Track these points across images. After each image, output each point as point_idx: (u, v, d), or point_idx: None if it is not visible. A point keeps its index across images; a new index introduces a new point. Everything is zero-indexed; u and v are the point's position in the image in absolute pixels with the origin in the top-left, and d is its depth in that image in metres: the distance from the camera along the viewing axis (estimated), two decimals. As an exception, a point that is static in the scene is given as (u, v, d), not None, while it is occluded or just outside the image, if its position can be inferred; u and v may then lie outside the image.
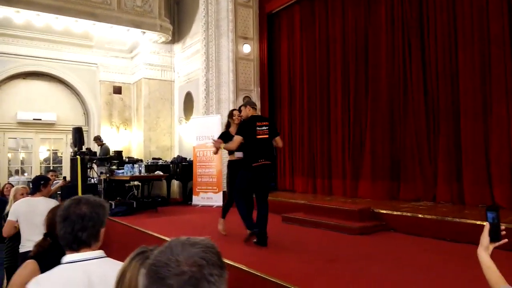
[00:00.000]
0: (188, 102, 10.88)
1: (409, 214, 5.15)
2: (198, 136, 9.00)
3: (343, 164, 7.60)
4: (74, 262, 1.53)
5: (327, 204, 6.08)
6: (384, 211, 5.43)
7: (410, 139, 6.48)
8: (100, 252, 1.61)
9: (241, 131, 4.58)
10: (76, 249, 1.57)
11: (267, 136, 4.63)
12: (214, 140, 4.84)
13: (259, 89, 9.47)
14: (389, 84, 6.85)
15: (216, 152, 4.99)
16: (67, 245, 1.57)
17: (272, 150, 4.74)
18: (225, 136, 5.21)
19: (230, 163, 5.23)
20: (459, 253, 4.03)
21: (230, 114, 5.34)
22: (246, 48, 9.35)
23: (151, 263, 0.83)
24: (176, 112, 11.48)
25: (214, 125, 8.67)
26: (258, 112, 5.29)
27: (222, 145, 4.71)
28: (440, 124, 6.10)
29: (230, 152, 5.16)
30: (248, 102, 4.93)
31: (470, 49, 5.75)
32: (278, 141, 4.75)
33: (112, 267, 1.53)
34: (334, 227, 5.36)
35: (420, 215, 4.99)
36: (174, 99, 11.53)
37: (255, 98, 9.39)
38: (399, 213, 5.27)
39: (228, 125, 5.31)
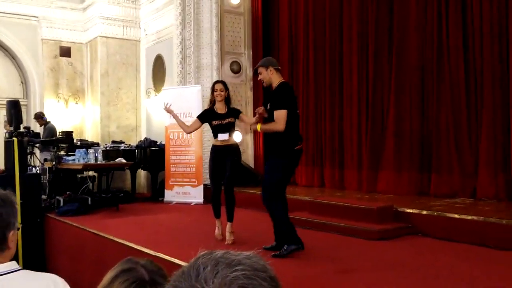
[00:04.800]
0: (159, 68, 10.78)
1: (442, 214, 5.19)
2: (171, 113, 8.94)
3: (359, 150, 7.64)
4: None
5: (338, 201, 6.11)
6: (411, 210, 5.47)
7: (445, 116, 6.53)
8: (11, 264, 1.57)
9: (286, 103, 4.32)
10: None
11: (298, 111, 4.57)
12: (261, 111, 4.54)
13: (251, 52, 9.41)
14: (419, 44, 6.86)
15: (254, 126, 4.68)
16: None
17: None
18: (207, 115, 5.20)
19: (214, 150, 5.20)
20: (506, 262, 4.09)
21: (212, 89, 5.27)
22: (235, -2, 9.24)
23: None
24: (142, 82, 11.39)
25: (193, 98, 8.63)
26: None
27: (259, 127, 4.43)
28: (484, 96, 6.14)
29: (217, 135, 5.12)
30: (268, 61, 4.63)
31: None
32: None
33: (32, 281, 1.52)
34: (346, 230, 5.40)
35: (456, 215, 5.05)
36: (140, 64, 11.42)
37: (246, 64, 9.34)
38: (429, 212, 5.32)
39: (213, 102, 5.26)
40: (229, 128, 5.12)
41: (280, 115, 4.28)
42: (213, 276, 0.68)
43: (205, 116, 5.24)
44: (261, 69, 4.56)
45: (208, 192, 8.38)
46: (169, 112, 5.30)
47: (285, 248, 4.31)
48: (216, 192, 5.21)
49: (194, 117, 8.47)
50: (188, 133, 5.46)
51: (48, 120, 9.77)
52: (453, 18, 6.46)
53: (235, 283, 0.67)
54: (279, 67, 4.64)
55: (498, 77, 6.03)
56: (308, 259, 4.35)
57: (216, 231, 5.23)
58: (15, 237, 1.59)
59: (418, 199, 6.38)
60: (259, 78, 4.69)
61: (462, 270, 3.94)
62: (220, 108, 5.18)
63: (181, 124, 5.34)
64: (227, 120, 5.11)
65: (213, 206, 5.25)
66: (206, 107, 8.10)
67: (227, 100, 5.22)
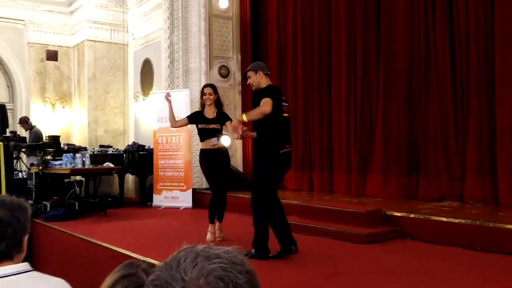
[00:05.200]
0: (147, 72, 10.75)
1: (430, 217, 5.24)
2: (160, 117, 8.92)
3: (347, 154, 7.67)
4: None
5: (326, 205, 6.11)
6: (399, 214, 5.50)
7: (432, 120, 6.58)
8: (24, 265, 1.65)
9: (271, 94, 4.29)
10: None
11: (288, 114, 4.53)
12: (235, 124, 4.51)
13: (239, 56, 9.42)
14: (407, 50, 6.92)
15: (240, 136, 4.49)
16: None
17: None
18: (196, 117, 5.21)
19: (204, 154, 5.18)
20: (495, 265, 4.13)
21: (201, 93, 5.29)
22: (223, 2, 9.26)
23: (151, 280, 0.76)
24: (130, 86, 11.34)
25: (181, 102, 8.59)
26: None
27: (245, 116, 4.27)
28: (471, 101, 6.21)
29: (204, 138, 5.10)
30: (258, 65, 4.64)
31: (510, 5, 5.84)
32: None
33: (41, 283, 1.60)
34: (335, 234, 5.41)
35: (444, 219, 5.09)
36: (128, 68, 11.38)
37: (235, 68, 9.36)
38: (417, 216, 5.35)
39: (203, 105, 5.26)
40: (214, 134, 5.10)
41: (265, 100, 4.23)
42: (192, 267, 0.72)
43: (194, 118, 5.26)
44: (250, 73, 4.57)
45: (198, 197, 8.44)
46: (168, 101, 5.30)
47: (252, 251, 4.31)
48: (216, 198, 5.23)
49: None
50: (173, 127, 5.52)
51: (33, 124, 9.69)
52: (440, 24, 6.53)
53: (212, 274, 0.71)
54: (268, 72, 4.65)
55: (484, 83, 6.09)
56: (297, 263, 4.35)
57: (209, 236, 5.20)
58: (26, 241, 1.71)
59: (407, 202, 6.41)
60: (248, 82, 4.69)
61: (450, 273, 3.97)
62: (209, 112, 5.18)
63: (171, 116, 5.33)
64: (212, 126, 5.10)
65: (211, 211, 5.24)
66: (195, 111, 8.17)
67: (218, 104, 5.21)
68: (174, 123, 5.37)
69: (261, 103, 4.26)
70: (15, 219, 1.63)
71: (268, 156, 4.35)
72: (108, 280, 1.12)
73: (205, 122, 5.12)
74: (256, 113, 4.25)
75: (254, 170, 4.49)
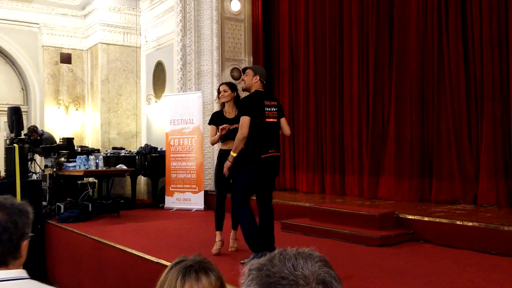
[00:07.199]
0: (159, 75, 10.82)
1: (443, 220, 5.20)
2: (172, 120, 8.98)
3: (360, 156, 7.66)
4: None
5: (339, 208, 6.11)
6: (412, 217, 5.48)
7: (445, 123, 6.55)
8: (20, 272, 1.61)
9: (248, 110, 4.36)
10: None
11: (275, 120, 4.52)
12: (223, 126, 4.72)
13: (251, 59, 9.45)
14: (420, 53, 6.89)
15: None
16: None
17: (279, 139, 4.62)
18: (216, 118, 5.09)
19: (223, 154, 5.00)
20: (508, 269, 4.10)
21: (217, 92, 5.22)
22: (235, 5, 9.28)
23: (265, 275, 0.85)
24: (143, 88, 11.42)
25: (194, 104, 8.66)
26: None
27: (233, 153, 4.42)
28: (485, 104, 6.17)
29: (223, 139, 5.01)
30: (259, 70, 4.63)
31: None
32: (285, 126, 4.61)
33: None
34: (348, 236, 5.41)
35: (458, 222, 5.05)
36: (141, 70, 11.46)
37: (247, 71, 9.37)
38: (430, 219, 5.33)
39: (223, 104, 5.16)
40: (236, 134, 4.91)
41: (242, 121, 4.34)
42: (304, 264, 0.85)
43: (215, 120, 5.07)
44: (249, 72, 4.57)
45: (210, 199, 8.46)
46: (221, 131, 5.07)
47: (251, 257, 4.19)
48: (220, 199, 4.95)
49: (195, 124, 8.64)
50: (214, 144, 5.32)
51: (41, 130, 9.75)
52: (453, 27, 6.50)
53: (321, 270, 0.85)
54: (264, 81, 4.61)
55: (498, 84, 6.05)
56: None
57: (215, 247, 4.80)
58: (27, 246, 1.66)
59: (420, 205, 6.39)
60: (242, 78, 4.75)
61: (463, 277, 3.95)
62: (229, 111, 5.06)
63: (216, 139, 5.09)
64: (235, 126, 4.83)
65: (216, 215, 4.92)
66: (207, 113, 8.18)
67: (237, 102, 5.04)
68: (213, 141, 5.13)
69: (239, 123, 4.38)
70: (13, 224, 1.59)
71: (250, 159, 4.36)
72: (165, 271, 1.35)
73: (227, 123, 4.94)
74: (238, 144, 4.36)
75: (239, 173, 4.45)
